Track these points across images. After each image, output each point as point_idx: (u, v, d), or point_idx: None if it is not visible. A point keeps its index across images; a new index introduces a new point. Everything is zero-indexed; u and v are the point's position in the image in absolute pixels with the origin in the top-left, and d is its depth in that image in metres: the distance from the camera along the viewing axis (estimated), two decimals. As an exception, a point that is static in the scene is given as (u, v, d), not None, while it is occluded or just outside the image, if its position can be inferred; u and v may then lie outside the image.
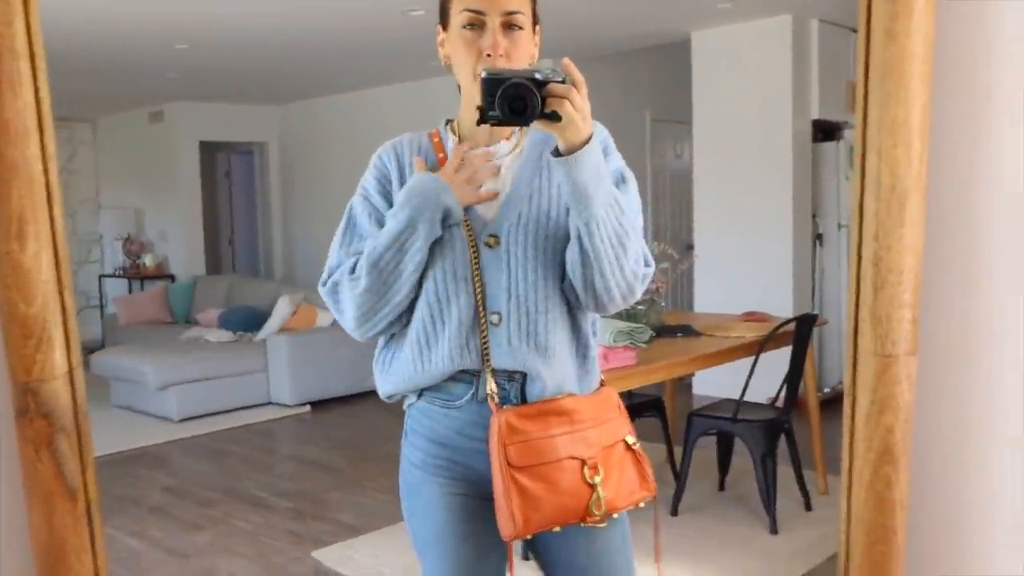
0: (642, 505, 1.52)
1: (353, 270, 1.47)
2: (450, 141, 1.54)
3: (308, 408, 6.29)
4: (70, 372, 0.83)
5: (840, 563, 0.91)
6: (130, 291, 8.75)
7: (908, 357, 0.86)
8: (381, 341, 1.57)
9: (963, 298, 0.92)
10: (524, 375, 1.45)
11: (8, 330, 0.81)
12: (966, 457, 0.93)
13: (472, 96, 1.46)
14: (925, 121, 0.83)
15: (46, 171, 0.80)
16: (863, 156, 0.85)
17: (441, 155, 1.53)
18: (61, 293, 0.82)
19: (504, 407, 1.43)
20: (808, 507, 3.91)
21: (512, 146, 1.52)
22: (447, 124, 1.58)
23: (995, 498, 0.91)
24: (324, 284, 1.52)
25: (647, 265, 1.45)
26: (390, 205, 1.50)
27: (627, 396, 4.00)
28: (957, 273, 0.92)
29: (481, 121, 1.29)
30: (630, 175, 1.49)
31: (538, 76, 1.25)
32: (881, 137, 0.83)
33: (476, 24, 1.43)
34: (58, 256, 0.82)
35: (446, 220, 1.44)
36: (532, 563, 1.60)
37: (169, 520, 4.15)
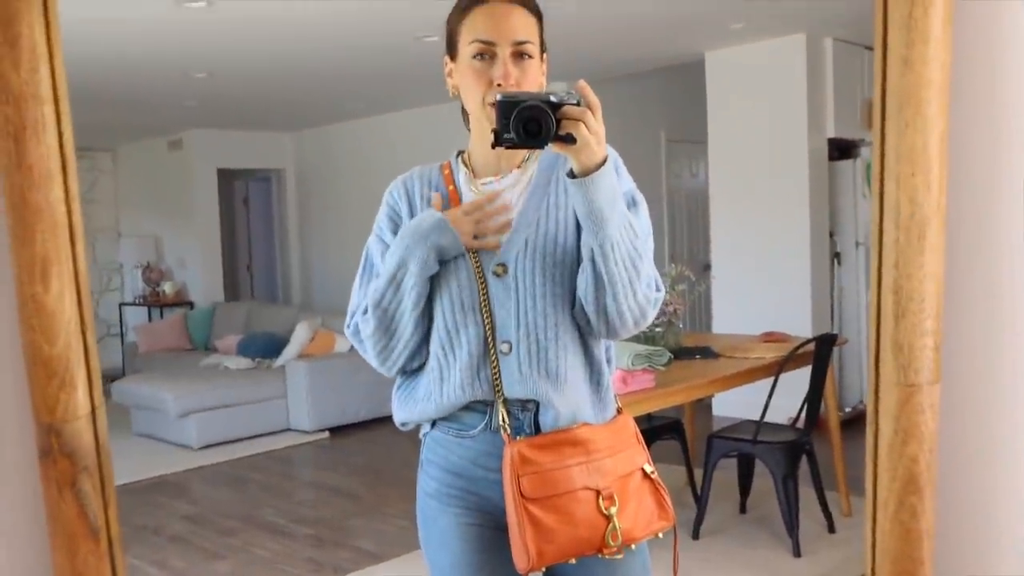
0: (660, 536, 1.50)
1: (365, 312, 1.48)
2: (461, 173, 1.54)
3: (327, 434, 6.29)
4: (92, 411, 0.84)
5: (867, 593, 0.90)
6: (149, 319, 8.81)
7: (931, 386, 0.85)
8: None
9: (986, 324, 0.91)
10: (537, 404, 1.44)
11: (32, 371, 0.82)
12: (992, 485, 0.92)
13: (482, 126, 1.46)
14: (943, 148, 0.82)
15: (69, 212, 0.81)
16: (881, 183, 0.84)
17: (451, 187, 1.53)
18: (84, 332, 0.83)
19: (517, 438, 1.42)
20: (831, 529, 3.87)
21: (522, 174, 1.52)
22: (458, 156, 1.58)
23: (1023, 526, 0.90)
24: (348, 327, 1.53)
25: (658, 290, 1.44)
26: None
27: (646, 419, 3.98)
28: (979, 299, 0.91)
29: (496, 144, 1.29)
30: (641, 198, 1.48)
31: (553, 99, 1.26)
32: (899, 165, 0.82)
33: (486, 54, 1.43)
34: (80, 295, 0.83)
35: (443, 256, 1.45)
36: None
37: (190, 549, 4.15)
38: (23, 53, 0.77)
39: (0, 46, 0.77)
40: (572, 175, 1.32)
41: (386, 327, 1.46)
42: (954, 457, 0.89)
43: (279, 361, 6.60)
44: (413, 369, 1.54)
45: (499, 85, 1.41)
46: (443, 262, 1.46)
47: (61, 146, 0.80)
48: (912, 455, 0.83)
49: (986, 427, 0.91)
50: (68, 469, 0.83)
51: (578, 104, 1.27)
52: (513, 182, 1.51)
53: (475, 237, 1.45)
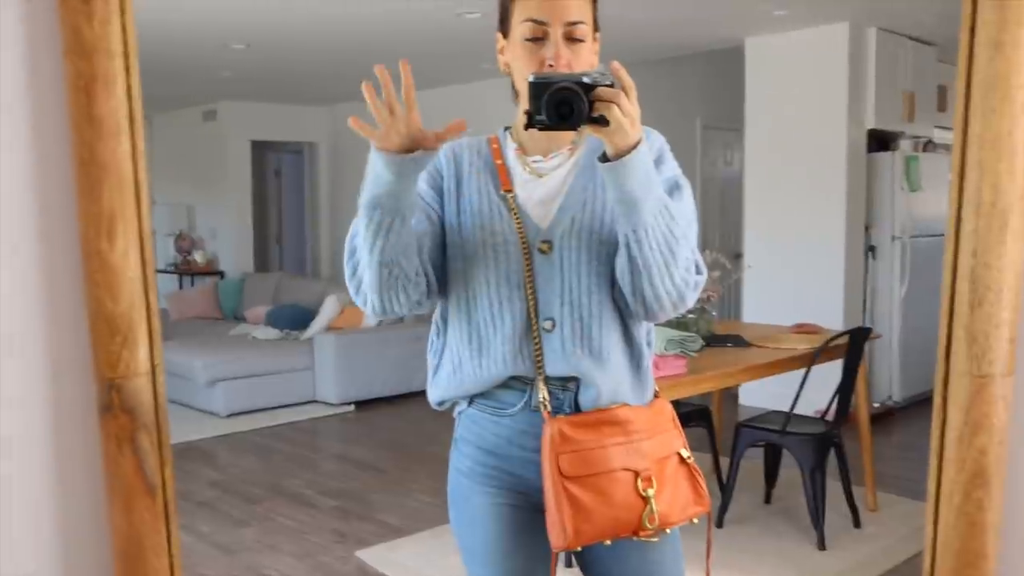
0: (695, 521, 1.49)
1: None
2: (510, 149, 1.53)
3: (353, 407, 6.33)
4: (152, 370, 0.84)
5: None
6: (180, 287, 8.88)
7: (1005, 378, 0.83)
8: (434, 348, 1.56)
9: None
10: (578, 383, 1.43)
11: (95, 327, 0.82)
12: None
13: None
14: (1028, 135, 0.80)
15: (136, 168, 0.81)
16: (962, 170, 0.82)
17: (499, 162, 1.51)
18: (147, 292, 0.83)
19: (557, 416, 1.42)
20: (857, 524, 3.84)
21: (571, 154, 1.50)
22: (506, 130, 1.56)
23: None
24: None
25: (699, 273, 1.42)
26: (439, 197, 1.50)
27: (675, 405, 3.96)
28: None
29: (528, 126, 1.28)
30: (685, 183, 1.46)
31: (586, 80, 1.24)
32: (983, 152, 0.80)
33: (539, 34, 1.41)
34: (144, 255, 0.83)
35: (493, 232, 1.43)
36: (576, 570, 1.57)
37: (217, 515, 4.19)
38: (96, 6, 0.77)
39: (74, 1, 0.76)
40: (604, 159, 1.30)
41: (355, 263, 1.43)
42: (1021, 450, 0.87)
43: (307, 333, 6.64)
44: (442, 343, 1.52)
45: (551, 66, 1.39)
46: (490, 236, 1.44)
47: (130, 101, 0.80)
48: (981, 447, 0.82)
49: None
50: (128, 425, 0.83)
51: (612, 85, 1.24)
52: (561, 161, 1.50)
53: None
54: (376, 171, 1.33)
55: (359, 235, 1.39)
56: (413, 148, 1.31)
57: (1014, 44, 0.77)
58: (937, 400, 0.84)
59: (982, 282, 0.80)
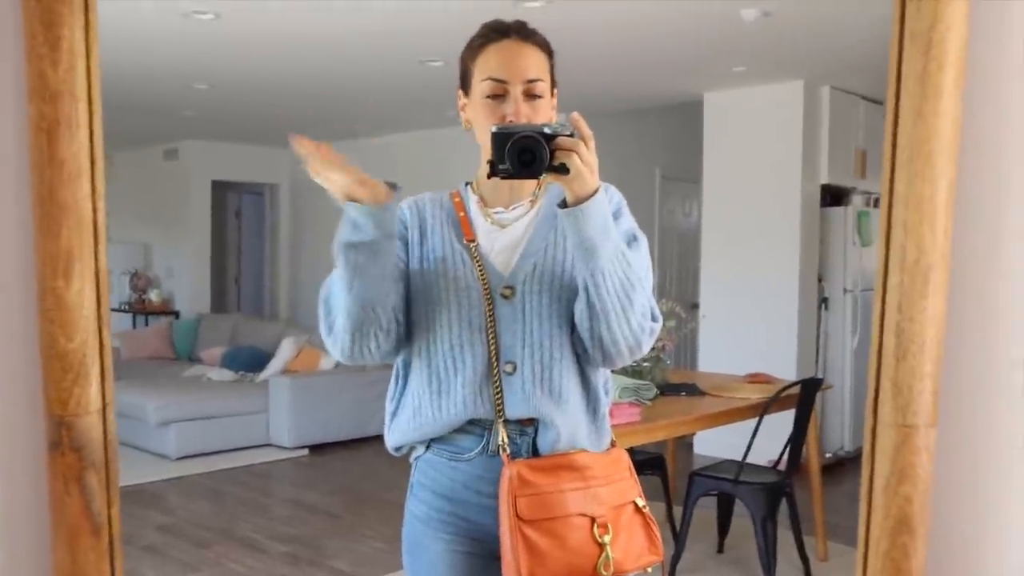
0: (649, 570, 1.51)
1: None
2: (472, 201, 1.57)
3: (307, 451, 6.26)
4: (103, 408, 0.85)
5: (852, 632, 0.91)
6: (134, 326, 8.76)
7: (928, 428, 0.87)
8: (393, 392, 1.57)
9: (984, 370, 0.93)
10: (536, 426, 1.45)
11: (48, 364, 0.83)
12: (984, 530, 0.94)
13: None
14: (950, 197, 0.85)
15: (95, 209, 0.83)
16: (888, 228, 0.87)
17: (462, 213, 1.55)
18: (100, 330, 0.84)
19: (516, 459, 1.43)
20: (808, 573, 3.87)
21: (532, 204, 1.54)
22: (467, 185, 1.60)
23: (1014, 573, 0.92)
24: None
25: (655, 320, 1.46)
26: (404, 247, 1.53)
27: (630, 453, 3.97)
28: (978, 345, 0.93)
29: (492, 174, 1.32)
30: (642, 235, 1.51)
31: (547, 130, 1.28)
32: (907, 213, 0.85)
33: (499, 92, 1.46)
34: (100, 293, 0.84)
35: (454, 276, 1.46)
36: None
37: (164, 560, 4.11)
38: (62, 54, 0.79)
39: (40, 46, 0.78)
40: (564, 205, 1.34)
41: (331, 299, 1.46)
42: (947, 500, 0.91)
43: (262, 375, 6.58)
44: (401, 387, 1.54)
45: (511, 121, 1.43)
46: (452, 283, 1.47)
47: (91, 143, 0.82)
48: (906, 495, 0.85)
49: (980, 471, 0.93)
50: (76, 463, 0.83)
51: (572, 135, 1.29)
52: (523, 212, 1.54)
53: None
54: (349, 219, 1.37)
55: (334, 277, 1.42)
56: (379, 197, 1.37)
57: (934, 114, 0.82)
58: (866, 449, 0.88)
59: (906, 335, 0.85)
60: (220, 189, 9.12)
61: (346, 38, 4.64)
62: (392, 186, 1.39)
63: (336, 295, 1.43)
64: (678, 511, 4.09)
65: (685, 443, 5.92)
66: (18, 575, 0.90)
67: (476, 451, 1.47)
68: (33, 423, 0.88)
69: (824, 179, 5.85)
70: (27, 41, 0.81)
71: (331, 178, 1.35)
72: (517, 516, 1.38)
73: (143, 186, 9.06)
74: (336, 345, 1.47)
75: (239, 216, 9.92)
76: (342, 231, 1.39)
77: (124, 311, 8.88)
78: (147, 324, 8.67)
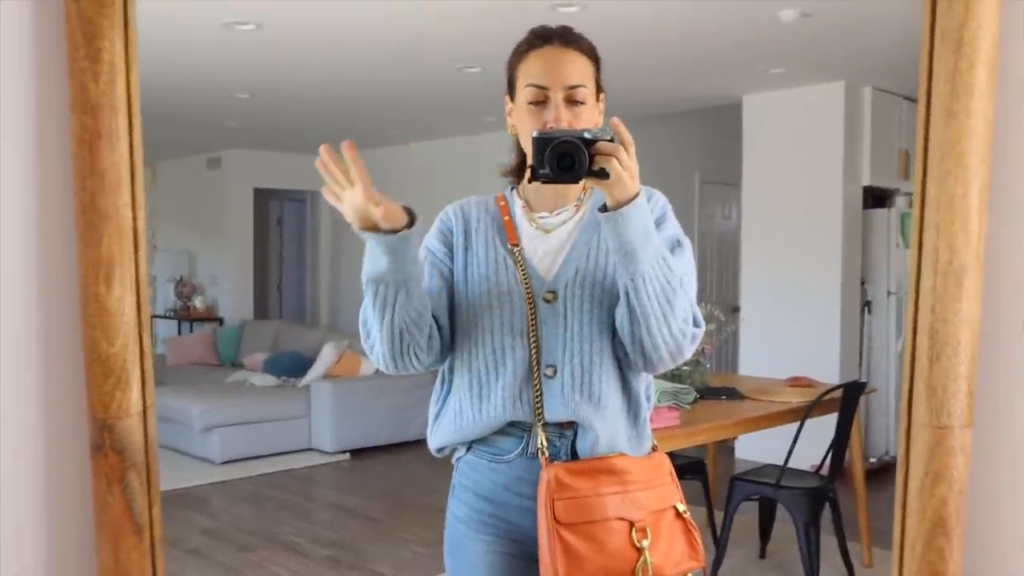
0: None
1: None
2: (517, 206, 1.58)
3: (348, 456, 6.31)
4: (144, 411, 0.87)
5: (890, 636, 0.90)
6: (179, 332, 8.90)
7: (963, 429, 0.86)
8: (436, 394, 1.59)
9: (1019, 371, 0.92)
10: (575, 429, 1.46)
11: (90, 368, 0.85)
12: (1021, 531, 0.92)
13: None
14: (984, 198, 0.84)
15: (135, 218, 0.85)
16: (921, 230, 0.86)
17: (507, 218, 1.56)
18: (141, 334, 0.86)
19: (554, 462, 1.44)
20: (852, 579, 3.82)
21: (576, 209, 1.55)
22: (512, 189, 1.61)
23: (1050, 576, 0.90)
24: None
25: (696, 325, 1.45)
26: (450, 252, 1.54)
27: (670, 457, 3.95)
28: (1015, 346, 0.92)
29: (532, 179, 1.33)
30: (686, 241, 1.51)
31: (587, 135, 1.29)
32: (939, 214, 0.84)
33: (540, 98, 1.47)
34: (140, 299, 0.86)
35: (498, 280, 1.47)
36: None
37: (208, 563, 4.17)
38: (103, 66, 0.81)
39: (82, 60, 0.81)
40: (604, 209, 1.35)
41: (367, 332, 1.47)
42: (983, 501, 0.89)
43: (304, 381, 6.65)
44: (445, 390, 1.56)
45: (551, 128, 1.44)
46: (495, 287, 1.48)
47: (131, 155, 0.84)
48: (941, 497, 0.84)
49: (1017, 472, 0.91)
50: (118, 465, 0.85)
51: (612, 140, 1.30)
52: (567, 217, 1.55)
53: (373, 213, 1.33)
54: (369, 249, 1.37)
55: (367, 309, 1.43)
56: (396, 222, 1.32)
57: (966, 113, 0.81)
58: (900, 451, 0.87)
59: (940, 337, 0.84)
60: (262, 197, 9.24)
61: (384, 46, 4.68)
62: (409, 212, 1.35)
63: (371, 322, 1.44)
64: (719, 516, 4.06)
65: (726, 447, 5.88)
66: (65, 574, 0.93)
67: (516, 453, 1.48)
68: (77, 426, 0.91)
69: (866, 181, 5.77)
70: (69, 54, 0.83)
71: (346, 200, 1.31)
72: (555, 519, 1.39)
73: (187, 195, 9.21)
74: (380, 363, 1.49)
75: (281, 223, 10.03)
76: (364, 264, 1.39)
77: (169, 318, 9.02)
78: (191, 331, 8.80)
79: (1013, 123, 0.88)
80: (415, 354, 1.45)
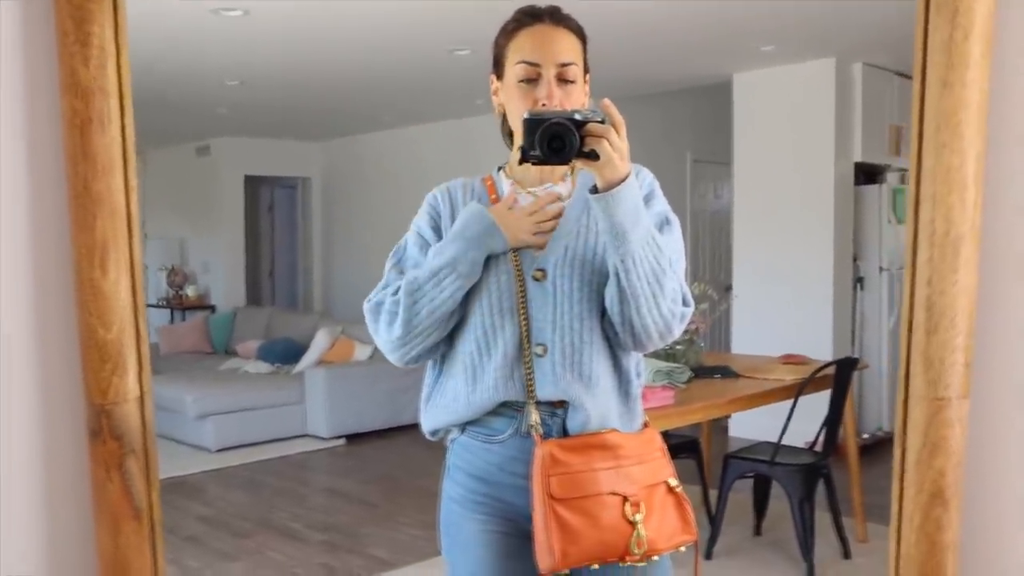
0: (683, 550, 1.51)
1: (396, 294, 1.50)
2: (504, 185, 1.58)
3: (343, 441, 6.31)
4: (141, 396, 0.87)
5: (888, 607, 0.91)
6: (172, 321, 8.88)
7: (961, 400, 0.86)
8: (428, 377, 1.59)
9: (1017, 342, 0.92)
10: (567, 408, 1.46)
11: (86, 354, 0.85)
12: (1018, 501, 0.93)
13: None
14: (980, 168, 0.84)
15: (128, 201, 0.84)
16: (917, 202, 0.86)
17: (494, 196, 1.56)
18: (136, 319, 0.86)
19: (548, 439, 1.44)
20: (847, 555, 3.84)
21: (564, 187, 1.55)
22: (499, 170, 1.61)
23: (1048, 544, 0.91)
24: (368, 301, 1.55)
25: (686, 305, 1.46)
26: (437, 235, 1.54)
27: (664, 436, 3.96)
28: (1011, 317, 0.92)
29: (523, 160, 1.34)
30: (674, 218, 1.51)
31: (577, 116, 1.29)
32: (935, 185, 0.84)
33: (532, 76, 1.46)
34: (135, 283, 0.86)
35: (488, 259, 1.48)
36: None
37: (205, 550, 4.17)
38: (92, 50, 0.81)
39: (72, 44, 0.80)
40: (595, 191, 1.35)
41: (410, 318, 1.47)
42: (980, 472, 0.90)
43: (298, 367, 6.64)
44: (437, 372, 1.56)
45: (544, 105, 1.44)
46: (485, 264, 1.48)
47: (123, 138, 0.84)
48: (939, 468, 0.85)
49: (1014, 443, 0.92)
50: (116, 450, 0.85)
51: (602, 122, 1.30)
52: (558, 191, 1.54)
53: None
54: (481, 243, 1.47)
55: (414, 287, 1.47)
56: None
57: (961, 83, 0.81)
58: (898, 423, 0.87)
59: (937, 309, 0.84)
60: (253, 184, 9.20)
61: (374, 30, 4.66)
62: None
63: (403, 306, 1.47)
64: (714, 495, 4.08)
65: (720, 426, 5.90)
66: (64, 560, 0.93)
67: (509, 432, 1.48)
68: (75, 412, 0.90)
69: (858, 157, 5.77)
70: (59, 38, 0.83)
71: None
72: (549, 495, 1.40)
73: (177, 183, 9.16)
74: (391, 341, 1.51)
75: (272, 210, 10.00)
76: (447, 249, 1.47)
77: (162, 307, 8.99)
78: (184, 319, 8.78)
79: (1008, 93, 0.88)
80: (418, 354, 1.50)
